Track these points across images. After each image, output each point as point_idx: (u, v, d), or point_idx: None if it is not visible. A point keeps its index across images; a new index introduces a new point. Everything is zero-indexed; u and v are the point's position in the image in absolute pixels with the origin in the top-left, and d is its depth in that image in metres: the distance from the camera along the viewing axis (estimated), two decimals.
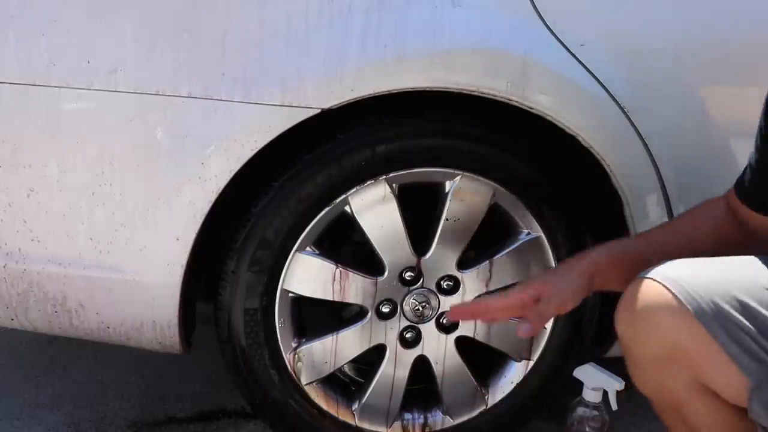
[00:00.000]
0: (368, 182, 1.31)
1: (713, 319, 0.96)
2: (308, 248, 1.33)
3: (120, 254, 1.25)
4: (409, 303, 1.40)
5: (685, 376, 1.01)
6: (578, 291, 1.08)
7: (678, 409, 1.06)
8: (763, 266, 1.02)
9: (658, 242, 1.11)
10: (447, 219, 1.36)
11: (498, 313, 1.13)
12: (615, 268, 1.09)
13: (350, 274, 1.36)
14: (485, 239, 1.42)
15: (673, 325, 0.98)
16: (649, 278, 1.00)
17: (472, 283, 1.41)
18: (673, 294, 0.98)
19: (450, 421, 1.50)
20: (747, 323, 0.95)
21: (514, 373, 1.51)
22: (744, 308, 0.96)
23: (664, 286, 0.99)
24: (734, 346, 0.96)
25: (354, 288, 1.37)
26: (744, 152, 1.40)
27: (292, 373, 1.40)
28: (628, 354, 1.07)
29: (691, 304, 0.97)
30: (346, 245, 1.46)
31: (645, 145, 1.34)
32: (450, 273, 1.40)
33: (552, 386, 1.53)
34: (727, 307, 0.96)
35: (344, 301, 1.38)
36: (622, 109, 1.30)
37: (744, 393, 0.97)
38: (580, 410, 1.40)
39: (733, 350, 0.96)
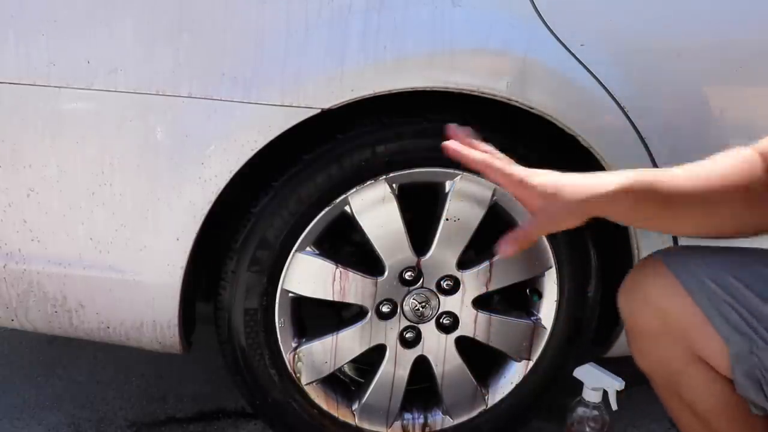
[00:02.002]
0: (368, 182, 1.31)
1: (701, 291, 1.02)
2: (308, 248, 1.33)
3: (120, 254, 1.25)
4: (409, 303, 1.41)
5: (679, 347, 1.06)
6: (595, 200, 0.98)
7: (674, 382, 1.11)
8: (760, 252, 1.07)
9: (687, 188, 1.02)
10: (447, 219, 1.36)
11: (496, 173, 1.04)
12: (648, 198, 1.00)
13: (350, 274, 1.36)
14: (485, 239, 1.42)
15: (665, 297, 1.05)
16: (652, 257, 1.09)
17: (472, 283, 1.42)
18: (668, 269, 1.05)
19: (450, 421, 1.50)
20: (733, 300, 1.01)
21: (514, 373, 1.51)
22: (734, 287, 1.02)
23: (660, 262, 1.06)
24: (718, 318, 1.02)
25: (354, 288, 1.37)
26: None
27: (292, 373, 1.40)
28: (628, 329, 1.13)
29: (681, 277, 1.03)
30: (346, 245, 1.46)
31: (645, 145, 1.34)
32: (450, 273, 1.40)
33: (552, 386, 1.53)
34: (715, 284, 1.02)
35: (344, 301, 1.38)
36: (622, 109, 1.30)
37: (730, 363, 1.03)
38: (580, 410, 1.40)
39: (717, 321, 1.02)
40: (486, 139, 1.31)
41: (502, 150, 1.34)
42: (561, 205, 0.98)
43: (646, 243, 1.41)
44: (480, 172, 1.04)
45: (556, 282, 1.45)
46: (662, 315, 1.05)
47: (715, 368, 1.05)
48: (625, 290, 1.11)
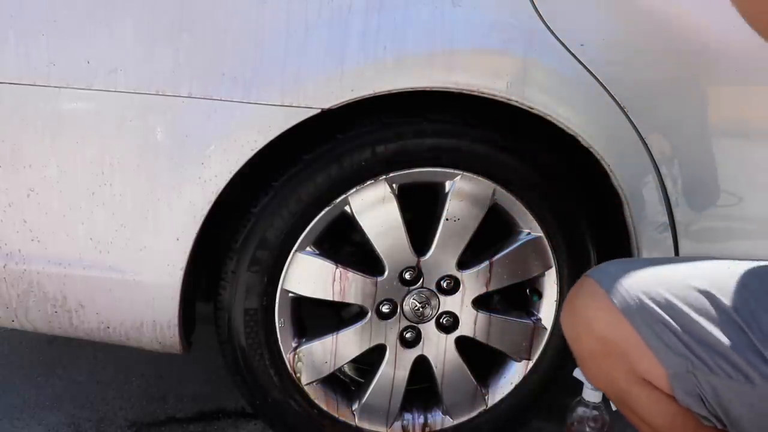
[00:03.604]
0: (368, 182, 1.31)
1: (636, 313, 1.00)
2: (308, 248, 1.33)
3: (120, 254, 1.25)
4: (409, 303, 1.41)
5: (622, 368, 1.05)
6: None
7: (625, 402, 1.09)
8: (695, 267, 1.06)
9: None
10: (447, 219, 1.36)
11: None
12: None
13: (350, 274, 1.36)
14: (485, 239, 1.42)
15: (602, 320, 1.03)
16: (587, 275, 1.07)
17: (472, 283, 1.42)
18: (603, 290, 1.03)
19: (450, 421, 1.50)
20: (668, 318, 0.99)
21: (514, 373, 1.51)
22: (668, 304, 1.00)
23: (596, 282, 1.04)
24: (654, 339, 1.00)
25: (354, 288, 1.37)
26: (744, 152, 1.40)
27: (292, 373, 1.40)
28: (573, 352, 1.11)
29: (616, 298, 1.01)
30: (346, 245, 1.46)
31: (645, 145, 1.34)
32: (450, 273, 1.40)
33: (552, 386, 1.53)
34: (651, 302, 1.00)
35: (344, 301, 1.38)
36: (622, 109, 1.30)
37: (669, 384, 1.01)
38: (580, 410, 1.40)
39: (653, 343, 1.00)
40: (485, 138, 1.31)
41: (502, 150, 1.35)
42: None
43: (646, 243, 1.41)
44: None
45: (556, 282, 1.45)
46: (600, 338, 1.04)
47: (658, 387, 1.04)
48: (565, 314, 1.10)
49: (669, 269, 1.06)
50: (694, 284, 1.02)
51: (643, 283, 1.03)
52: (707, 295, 1.00)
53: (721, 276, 1.04)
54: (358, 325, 1.40)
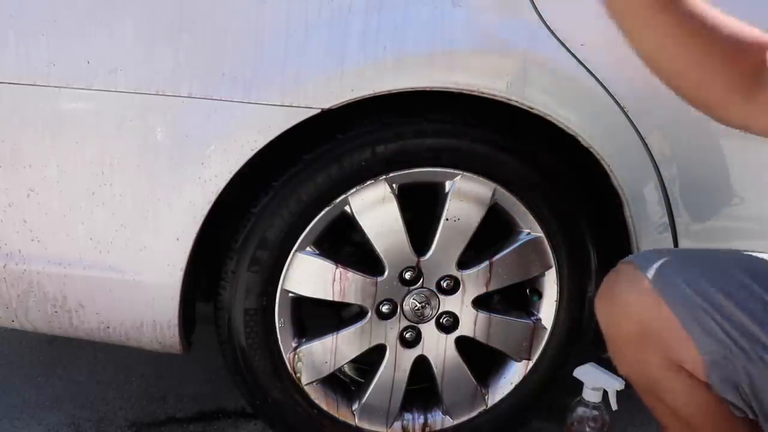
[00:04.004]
0: (368, 182, 1.31)
1: (676, 298, 1.01)
2: (308, 248, 1.33)
3: (120, 254, 1.25)
4: (409, 303, 1.41)
5: (657, 354, 1.05)
6: None
7: (655, 389, 1.10)
8: (734, 257, 1.07)
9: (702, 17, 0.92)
10: (447, 219, 1.36)
11: None
12: None
13: (350, 274, 1.36)
14: (485, 239, 1.42)
15: (641, 304, 1.03)
16: (626, 261, 1.07)
17: (472, 283, 1.42)
18: (643, 275, 1.03)
19: (450, 421, 1.50)
20: (708, 305, 1.00)
21: (514, 373, 1.51)
22: (708, 292, 1.01)
23: (637, 267, 1.04)
24: (693, 325, 1.01)
25: (354, 288, 1.37)
26: (744, 152, 1.40)
27: (292, 373, 1.40)
28: (606, 336, 1.12)
29: (657, 283, 1.02)
30: (346, 245, 1.46)
31: (645, 145, 1.34)
32: (450, 273, 1.40)
33: (552, 386, 1.53)
34: (691, 289, 1.01)
35: (344, 301, 1.38)
36: (622, 109, 1.30)
37: (705, 370, 1.02)
38: (580, 410, 1.40)
39: (692, 328, 1.01)
40: (485, 138, 1.31)
41: (502, 150, 1.35)
42: None
43: (646, 243, 1.41)
44: None
45: (556, 282, 1.45)
46: (638, 322, 1.04)
47: (693, 374, 1.04)
48: (601, 297, 1.10)
49: (708, 259, 1.07)
50: (733, 274, 1.03)
51: (683, 270, 1.03)
52: (746, 285, 1.01)
53: (760, 267, 1.04)
54: (358, 325, 1.40)
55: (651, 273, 1.03)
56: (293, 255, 1.32)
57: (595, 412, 1.39)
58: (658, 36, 0.92)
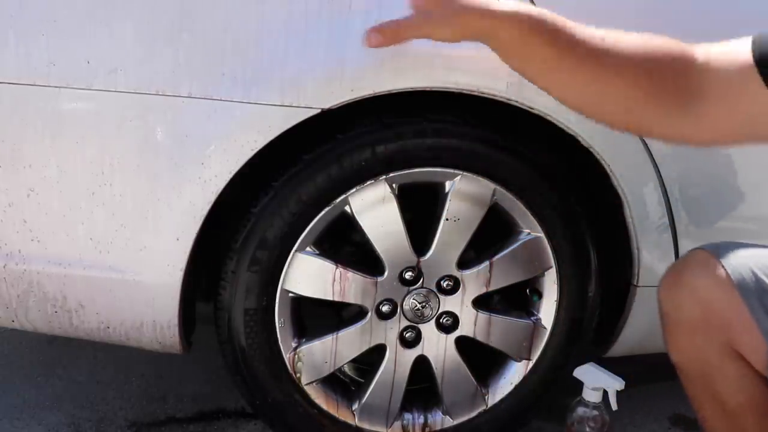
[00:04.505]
0: (368, 182, 1.31)
1: (749, 285, 1.02)
2: (308, 248, 1.33)
3: (120, 254, 1.25)
4: (409, 303, 1.41)
5: (718, 340, 1.06)
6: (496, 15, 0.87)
7: (707, 375, 1.10)
8: None
9: (597, 40, 0.91)
10: (447, 219, 1.36)
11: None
12: (546, 32, 0.88)
13: (350, 274, 1.36)
14: (485, 239, 1.42)
15: (711, 288, 1.04)
16: (698, 249, 1.08)
17: (472, 283, 1.42)
18: (717, 260, 1.04)
19: (450, 421, 1.50)
20: None
21: (514, 373, 1.51)
22: None
23: (711, 254, 1.05)
24: (762, 314, 1.01)
25: (354, 288, 1.37)
26: (743, 151, 1.40)
27: (292, 373, 1.40)
28: (666, 320, 1.12)
29: (730, 269, 1.03)
30: (346, 245, 1.46)
31: (645, 145, 1.34)
32: (450, 273, 1.40)
33: (552, 386, 1.53)
34: (764, 277, 1.02)
35: (344, 301, 1.38)
36: None
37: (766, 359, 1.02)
38: (580, 410, 1.40)
39: (760, 317, 1.01)
40: (485, 138, 1.31)
41: (502, 150, 1.35)
42: (446, 5, 0.87)
43: (646, 243, 1.41)
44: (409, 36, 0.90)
45: (556, 282, 1.45)
46: (705, 307, 1.05)
47: (752, 364, 1.05)
48: (668, 281, 1.11)
49: None
50: None
51: (757, 260, 1.04)
52: None
53: None
54: (358, 325, 1.40)
55: (725, 259, 1.04)
56: (293, 255, 1.32)
57: (595, 412, 1.39)
58: (574, 80, 0.90)
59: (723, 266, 1.04)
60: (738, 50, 0.90)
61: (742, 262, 1.04)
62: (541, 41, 0.87)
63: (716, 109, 0.90)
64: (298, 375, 1.40)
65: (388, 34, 0.87)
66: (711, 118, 0.91)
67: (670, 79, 0.90)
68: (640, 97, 0.90)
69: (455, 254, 1.39)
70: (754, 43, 0.89)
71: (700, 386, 1.12)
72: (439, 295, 1.42)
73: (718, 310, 1.04)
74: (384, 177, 1.31)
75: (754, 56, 0.88)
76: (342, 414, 1.46)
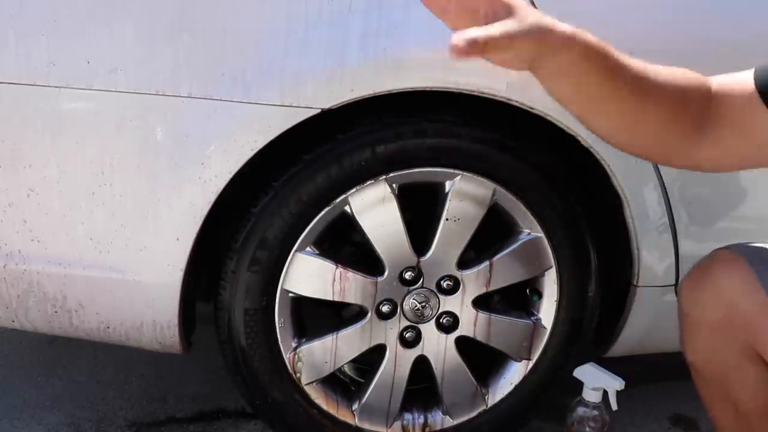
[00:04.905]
0: (368, 182, 1.31)
1: None
2: (308, 248, 1.33)
3: (120, 254, 1.25)
4: (409, 303, 1.41)
5: (738, 341, 1.05)
6: (555, 37, 0.85)
7: (723, 376, 1.09)
8: None
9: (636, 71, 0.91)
10: (447, 219, 1.36)
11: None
12: (596, 58, 0.86)
13: (350, 274, 1.36)
14: (485, 239, 1.42)
15: (737, 288, 1.03)
16: (723, 248, 1.07)
17: (472, 283, 1.42)
18: (743, 260, 1.03)
19: (450, 421, 1.50)
20: None
21: (514, 373, 1.51)
22: None
23: (736, 253, 1.04)
24: None
25: (354, 288, 1.37)
26: None
27: (292, 373, 1.40)
28: (685, 320, 1.11)
29: (755, 269, 1.02)
30: (346, 245, 1.46)
31: None
32: (450, 273, 1.40)
33: (552, 386, 1.53)
34: None
35: (344, 301, 1.38)
36: None
37: None
38: (580, 410, 1.40)
39: None
40: (485, 138, 1.31)
41: (502, 150, 1.35)
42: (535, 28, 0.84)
43: (646, 243, 1.41)
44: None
45: (556, 282, 1.45)
46: (729, 307, 1.04)
47: None
48: (691, 280, 1.10)
49: None
50: None
51: None
52: None
53: None
54: (358, 325, 1.40)
55: (751, 260, 1.03)
56: (293, 255, 1.32)
57: (595, 412, 1.39)
58: (618, 107, 0.90)
59: (749, 267, 1.03)
60: (744, 79, 0.94)
61: None
62: (591, 64, 0.86)
63: (731, 133, 0.93)
64: (298, 375, 1.40)
65: (478, 44, 0.80)
66: (726, 143, 0.94)
67: (693, 106, 0.93)
68: (670, 125, 0.93)
69: (455, 254, 1.39)
70: (755, 72, 0.94)
71: (713, 386, 1.12)
72: (439, 295, 1.42)
73: (743, 311, 1.03)
74: (384, 177, 1.31)
75: (756, 85, 0.92)
76: (342, 414, 1.46)
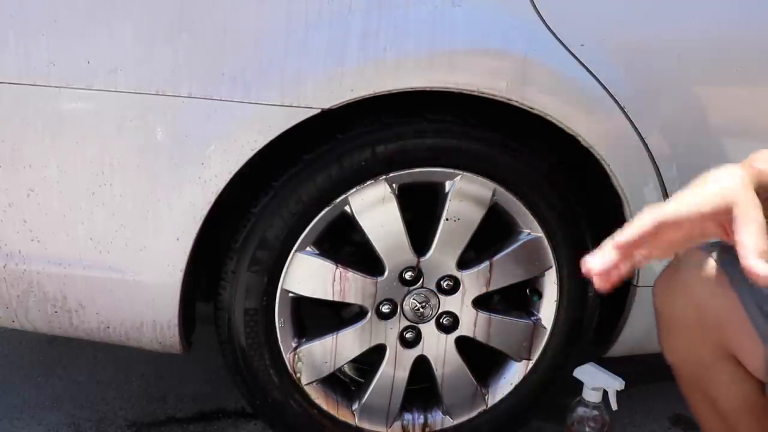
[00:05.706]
0: (368, 182, 1.31)
1: (746, 286, 0.98)
2: (308, 248, 1.33)
3: (120, 254, 1.25)
4: (409, 303, 1.41)
5: (711, 341, 1.04)
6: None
7: (700, 377, 1.08)
8: None
9: None
10: (447, 219, 1.36)
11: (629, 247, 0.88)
12: None
13: (350, 274, 1.36)
14: (485, 239, 1.42)
15: (707, 288, 1.02)
16: (696, 248, 1.03)
17: (472, 283, 1.42)
18: (713, 260, 1.01)
19: (450, 421, 1.50)
20: None
21: (514, 373, 1.51)
22: None
23: (706, 252, 1.02)
24: (759, 316, 0.98)
25: (354, 288, 1.37)
26: (742, 152, 1.40)
27: (292, 373, 1.40)
28: (660, 319, 1.10)
29: (727, 270, 0.99)
30: (346, 245, 1.46)
31: (645, 145, 1.34)
32: (450, 273, 1.40)
33: (552, 386, 1.53)
34: None
35: (344, 301, 1.38)
36: (622, 109, 1.30)
37: (762, 361, 1.00)
38: (580, 410, 1.40)
39: (756, 318, 0.99)
40: (485, 138, 1.30)
41: (502, 150, 1.35)
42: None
43: None
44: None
45: (556, 282, 1.45)
46: (700, 307, 1.03)
47: (745, 367, 1.04)
48: (663, 279, 1.09)
49: None
50: None
51: None
52: None
53: None
54: (358, 325, 1.40)
55: (721, 259, 1.01)
56: (293, 255, 1.32)
57: (595, 412, 1.39)
58: None
59: (719, 266, 1.01)
60: None
61: (738, 262, 1.03)
62: None
63: None
64: (298, 375, 1.40)
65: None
66: None
67: None
68: None
69: (455, 254, 1.39)
70: None
71: (692, 386, 1.11)
72: (439, 295, 1.42)
73: (713, 311, 1.02)
74: (384, 177, 1.31)
75: None
76: (342, 414, 1.46)
